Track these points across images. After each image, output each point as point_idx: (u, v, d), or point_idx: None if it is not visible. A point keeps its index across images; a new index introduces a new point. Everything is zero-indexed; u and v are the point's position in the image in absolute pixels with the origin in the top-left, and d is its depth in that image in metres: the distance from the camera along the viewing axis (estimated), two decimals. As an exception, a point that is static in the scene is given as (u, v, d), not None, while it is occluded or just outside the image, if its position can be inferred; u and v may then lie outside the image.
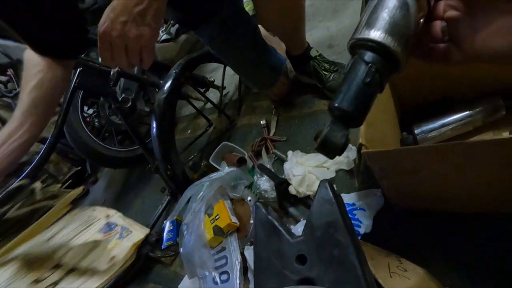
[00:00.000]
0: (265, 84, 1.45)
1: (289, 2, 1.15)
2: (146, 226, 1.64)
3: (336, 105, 0.39)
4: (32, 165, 1.42)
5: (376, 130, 0.83)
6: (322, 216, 0.61)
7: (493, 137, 0.90)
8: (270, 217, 0.66)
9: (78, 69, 1.51)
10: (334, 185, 1.08)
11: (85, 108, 2.27)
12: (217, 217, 1.06)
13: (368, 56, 0.38)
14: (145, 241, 1.53)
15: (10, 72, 1.60)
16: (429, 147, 0.71)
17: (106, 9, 0.79)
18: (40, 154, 1.46)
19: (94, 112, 2.33)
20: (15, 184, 1.30)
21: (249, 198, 1.12)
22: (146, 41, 0.81)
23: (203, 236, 1.05)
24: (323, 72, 1.32)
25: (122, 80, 1.92)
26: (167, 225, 1.38)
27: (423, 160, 0.70)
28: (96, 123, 2.26)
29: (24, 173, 1.38)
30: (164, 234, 1.37)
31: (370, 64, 0.38)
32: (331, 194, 0.63)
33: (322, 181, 0.65)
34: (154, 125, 1.41)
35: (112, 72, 1.52)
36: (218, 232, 1.04)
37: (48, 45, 0.98)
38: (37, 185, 1.40)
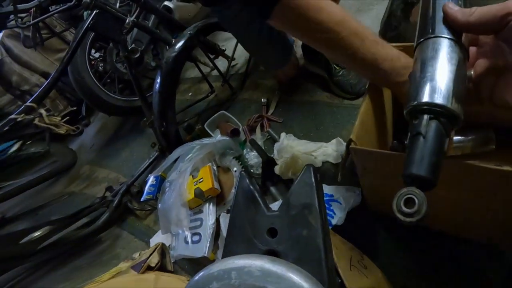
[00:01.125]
0: (276, 64, 1.46)
1: None
2: (130, 176, 1.68)
3: (424, 175, 0.36)
4: (37, 93, 1.47)
5: (369, 131, 0.86)
6: (300, 197, 0.64)
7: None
8: (252, 187, 0.69)
9: (95, 11, 1.51)
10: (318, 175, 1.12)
11: (92, 51, 2.28)
12: (201, 180, 1.10)
13: (443, 125, 0.37)
14: (127, 191, 1.57)
15: (32, 10, 1.62)
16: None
17: None
18: (44, 85, 1.49)
19: (100, 56, 2.34)
20: (26, 104, 1.39)
21: (235, 169, 1.15)
22: None
23: (184, 195, 1.09)
24: (334, 65, 1.33)
25: (135, 30, 1.92)
26: (151, 179, 1.41)
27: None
28: (100, 68, 2.28)
29: (32, 98, 1.44)
30: (146, 187, 1.40)
31: (447, 135, 0.38)
32: (313, 179, 0.66)
33: (307, 165, 0.68)
34: (158, 80, 1.43)
35: (127, 20, 1.52)
36: (199, 194, 1.07)
37: None
38: (42, 111, 1.46)
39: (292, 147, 1.17)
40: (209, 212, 1.09)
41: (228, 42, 2.08)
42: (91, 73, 2.04)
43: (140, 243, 1.43)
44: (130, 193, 1.59)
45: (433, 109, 0.36)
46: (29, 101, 1.43)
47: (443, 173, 0.66)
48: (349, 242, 0.87)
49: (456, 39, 0.40)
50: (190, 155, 1.21)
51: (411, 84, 0.40)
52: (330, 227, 0.92)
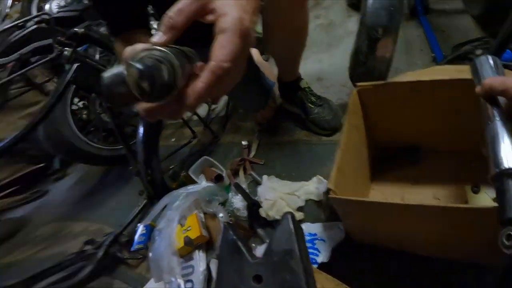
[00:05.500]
0: (254, 107, 1.53)
1: (297, 30, 1.21)
2: (118, 225, 1.68)
3: None
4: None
5: (346, 175, 0.89)
6: (281, 243, 0.69)
7: (455, 190, 0.99)
8: (235, 237, 0.73)
9: (75, 65, 1.55)
10: (302, 213, 1.16)
11: (76, 100, 2.24)
12: (189, 228, 1.12)
13: None
14: (115, 240, 1.57)
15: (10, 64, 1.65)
16: (388, 204, 0.78)
17: None
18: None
19: (84, 104, 2.30)
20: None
21: (220, 215, 1.17)
22: None
23: (174, 244, 1.11)
24: (309, 104, 1.40)
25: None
26: (140, 229, 1.42)
27: (382, 213, 0.79)
28: (84, 115, 2.25)
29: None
30: (136, 237, 1.41)
31: None
32: (291, 226, 0.71)
33: (286, 213, 0.73)
34: (141, 130, 1.46)
35: None
36: (189, 242, 1.10)
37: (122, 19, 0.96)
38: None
39: (274, 189, 1.21)
40: (200, 258, 1.11)
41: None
42: (72, 125, 1.99)
43: (134, 291, 1.44)
44: (118, 242, 1.59)
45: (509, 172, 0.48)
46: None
47: (417, 216, 0.72)
48: (335, 279, 0.89)
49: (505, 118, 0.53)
50: (177, 203, 1.23)
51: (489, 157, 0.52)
52: (316, 266, 0.95)
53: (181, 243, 1.10)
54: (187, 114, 1.93)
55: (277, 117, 1.60)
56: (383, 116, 1.05)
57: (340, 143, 0.89)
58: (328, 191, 0.80)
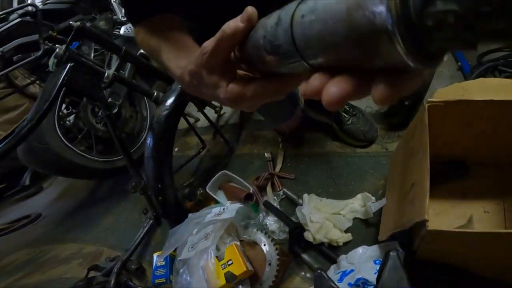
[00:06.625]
0: (282, 117, 1.37)
1: None
2: (119, 248, 1.50)
3: None
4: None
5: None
6: (393, 283, 0.65)
7: (503, 203, 0.98)
8: (333, 284, 0.60)
9: (69, 65, 1.34)
10: (350, 234, 1.06)
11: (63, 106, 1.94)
12: (230, 262, 0.95)
13: None
14: (123, 267, 1.37)
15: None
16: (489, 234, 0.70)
17: None
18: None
19: (70, 111, 2.02)
20: None
21: (263, 243, 1.01)
22: None
23: (213, 282, 0.93)
24: (343, 114, 1.27)
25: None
26: (157, 260, 1.23)
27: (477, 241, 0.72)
28: (68, 122, 1.97)
29: None
30: (153, 269, 1.22)
31: None
32: (400, 265, 0.66)
33: (392, 252, 0.67)
34: (151, 144, 1.27)
35: (107, 74, 1.37)
36: (231, 278, 0.93)
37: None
38: None
39: (319, 209, 1.08)
40: (245, 296, 0.95)
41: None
42: (61, 136, 1.73)
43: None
44: (127, 270, 1.39)
45: None
46: None
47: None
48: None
49: None
50: (205, 230, 1.06)
51: None
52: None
53: (222, 280, 0.93)
54: (191, 121, 1.74)
55: (302, 127, 1.45)
56: (441, 132, 0.94)
57: (423, 165, 0.77)
58: (423, 223, 0.69)
